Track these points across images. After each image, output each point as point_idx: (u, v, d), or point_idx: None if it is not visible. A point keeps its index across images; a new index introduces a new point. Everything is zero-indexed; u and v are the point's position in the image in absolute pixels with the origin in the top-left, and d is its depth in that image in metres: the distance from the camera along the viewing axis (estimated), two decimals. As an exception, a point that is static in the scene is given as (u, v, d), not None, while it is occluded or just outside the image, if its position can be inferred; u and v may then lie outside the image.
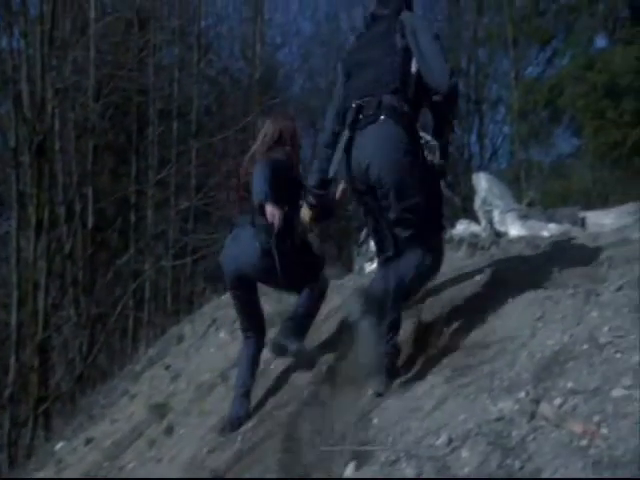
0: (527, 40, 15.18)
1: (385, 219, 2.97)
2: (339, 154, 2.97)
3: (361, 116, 2.93)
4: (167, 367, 6.57)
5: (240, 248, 3.72)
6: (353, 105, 2.96)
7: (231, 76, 16.92)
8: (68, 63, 12.06)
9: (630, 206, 4.83)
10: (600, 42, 13.96)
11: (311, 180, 3.28)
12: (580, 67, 11.36)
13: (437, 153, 3.09)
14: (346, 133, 2.95)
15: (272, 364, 4.57)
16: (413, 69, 2.92)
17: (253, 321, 3.97)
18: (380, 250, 3.12)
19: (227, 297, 7.44)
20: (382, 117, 2.88)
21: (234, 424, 3.75)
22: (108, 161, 14.71)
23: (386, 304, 2.88)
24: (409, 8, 3.13)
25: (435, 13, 17.76)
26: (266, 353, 4.27)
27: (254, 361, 3.96)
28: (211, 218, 13.94)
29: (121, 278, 13.17)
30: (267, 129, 3.76)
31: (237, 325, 6.15)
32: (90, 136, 12.76)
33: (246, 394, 3.86)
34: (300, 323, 3.91)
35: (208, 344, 6.33)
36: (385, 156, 2.88)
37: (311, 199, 3.32)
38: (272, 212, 3.31)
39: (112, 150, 14.68)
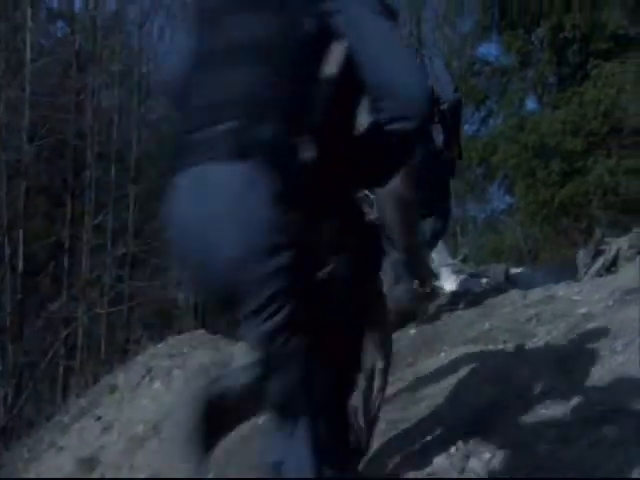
0: (463, 99, 15.84)
1: None
2: None
3: None
4: (98, 418, 6.36)
5: None
6: None
7: (172, 122, 16.91)
8: (1, 102, 11.86)
9: (557, 263, 5.03)
10: (531, 105, 14.63)
11: None
12: (512, 127, 11.86)
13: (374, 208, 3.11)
14: None
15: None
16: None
17: None
18: None
19: (163, 346, 7.31)
20: None
21: None
22: (41, 204, 14.40)
23: None
24: None
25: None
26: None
27: None
28: (149, 265, 13.73)
29: (52, 325, 12.76)
30: None
31: (173, 375, 6.05)
32: (22, 178, 12.48)
33: None
34: None
35: (142, 395, 6.18)
36: None
37: None
38: None
39: (46, 193, 14.38)
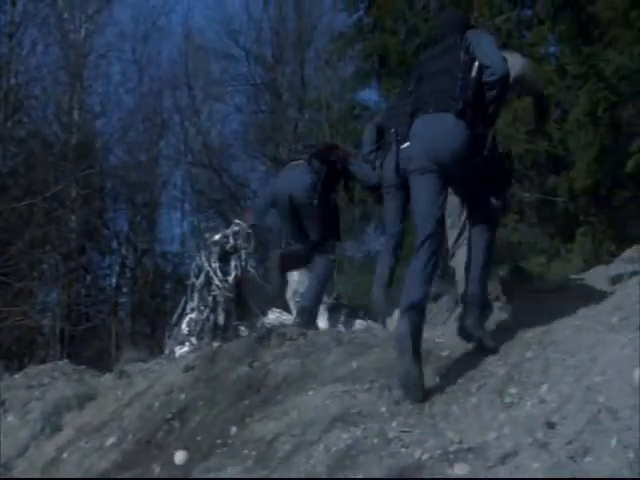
0: (343, 140, 16.22)
1: None
2: None
3: None
4: (-63, 456, 5.87)
5: (293, 178, 4.92)
6: None
7: (43, 140, 16.11)
8: None
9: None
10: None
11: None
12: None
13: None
14: None
15: (65, 452, 4.32)
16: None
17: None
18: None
19: (21, 376, 6.90)
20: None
21: None
22: None
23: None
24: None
25: (259, 104, 18.58)
26: (57, 441, 4.05)
27: None
28: (9, 290, 12.86)
29: None
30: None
31: (30, 408, 5.72)
32: None
33: None
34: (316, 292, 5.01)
35: (-8, 429, 5.79)
36: None
37: None
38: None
39: None
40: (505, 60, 3.40)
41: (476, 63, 3.34)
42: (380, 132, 4.89)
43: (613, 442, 2.16)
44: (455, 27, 3.58)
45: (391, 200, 4.62)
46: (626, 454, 2.10)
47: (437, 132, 3.33)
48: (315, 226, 4.96)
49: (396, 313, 5.74)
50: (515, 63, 3.72)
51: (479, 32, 3.56)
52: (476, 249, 3.48)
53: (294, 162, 5.13)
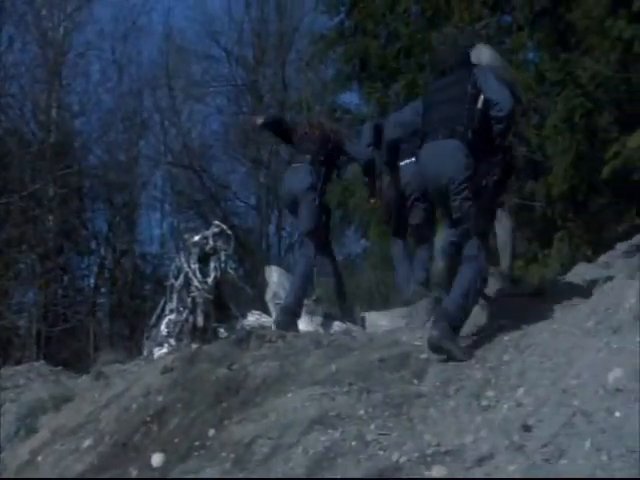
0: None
1: None
2: None
3: None
4: None
5: (295, 180, 5.33)
6: None
7: (20, 138, 15.89)
8: None
9: (403, 310, 5.29)
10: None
11: None
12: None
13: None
14: None
15: (40, 454, 4.28)
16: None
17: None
18: None
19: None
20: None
21: None
22: None
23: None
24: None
25: (240, 105, 18.54)
26: (32, 444, 4.01)
27: None
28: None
29: None
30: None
31: (4, 410, 5.64)
32: None
33: None
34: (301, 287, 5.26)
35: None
36: None
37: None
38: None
39: None
40: (512, 97, 3.74)
41: (482, 96, 3.69)
42: (377, 130, 5.33)
43: (587, 445, 2.19)
44: (462, 62, 3.92)
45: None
46: (600, 456, 2.13)
47: (443, 157, 3.69)
48: (308, 220, 5.26)
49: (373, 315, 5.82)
50: (484, 54, 4.11)
51: (486, 70, 3.85)
52: (464, 275, 3.57)
53: (296, 164, 5.49)
